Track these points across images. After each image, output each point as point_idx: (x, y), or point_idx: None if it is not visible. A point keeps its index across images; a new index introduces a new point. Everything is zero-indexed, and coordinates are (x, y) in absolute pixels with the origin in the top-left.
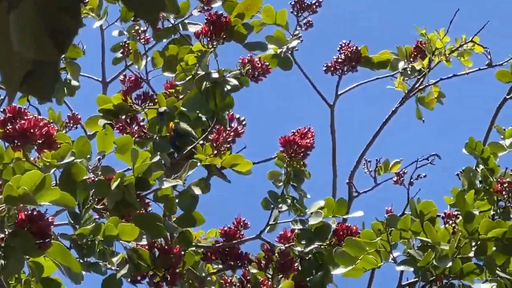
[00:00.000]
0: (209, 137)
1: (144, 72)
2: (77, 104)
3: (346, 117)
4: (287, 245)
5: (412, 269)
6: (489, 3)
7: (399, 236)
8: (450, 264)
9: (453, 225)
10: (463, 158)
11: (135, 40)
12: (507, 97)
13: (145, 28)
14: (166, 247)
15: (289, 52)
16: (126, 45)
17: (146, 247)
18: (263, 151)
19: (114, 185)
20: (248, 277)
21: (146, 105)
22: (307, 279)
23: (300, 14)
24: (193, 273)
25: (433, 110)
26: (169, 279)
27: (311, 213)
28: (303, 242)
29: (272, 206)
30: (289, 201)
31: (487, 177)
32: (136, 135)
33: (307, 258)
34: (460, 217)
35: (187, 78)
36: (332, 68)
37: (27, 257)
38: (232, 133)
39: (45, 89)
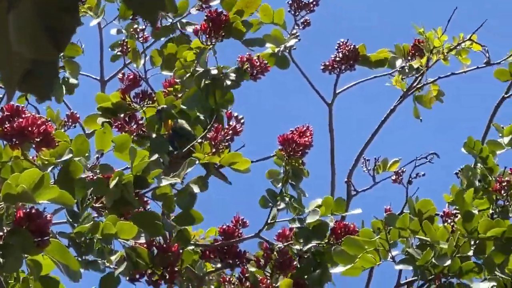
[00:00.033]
0: (208, 135)
1: (142, 70)
2: (75, 103)
3: (344, 116)
4: (285, 244)
5: (411, 267)
6: (489, 3)
7: (398, 235)
8: (449, 262)
9: (451, 224)
10: (461, 156)
11: (133, 39)
12: (505, 95)
13: (144, 26)
14: (164, 245)
15: (287, 51)
16: (125, 43)
17: (145, 245)
18: (261, 150)
19: (112, 184)
20: (247, 274)
21: (145, 103)
22: (305, 277)
23: (297, 13)
24: (192, 271)
25: (431, 109)
26: (167, 277)
27: (309, 211)
28: (301, 240)
29: (270, 204)
30: (287, 199)
31: (486, 176)
32: (134, 133)
33: (305, 256)
34: (459, 216)
35: (187, 75)
36: (330, 67)
37: (25, 255)
38: (230, 132)
39: (44, 88)
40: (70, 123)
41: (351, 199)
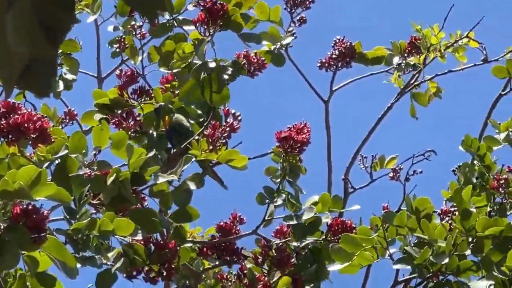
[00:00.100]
0: (205, 132)
1: (140, 67)
2: (72, 100)
3: (341, 113)
4: (283, 240)
5: (408, 267)
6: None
7: (396, 233)
8: (446, 260)
9: (449, 221)
10: (459, 154)
11: (130, 35)
12: (503, 92)
13: (141, 23)
14: (161, 242)
15: (283, 48)
16: (122, 40)
17: (142, 242)
18: (258, 147)
19: (110, 180)
20: (245, 271)
21: (142, 99)
22: (302, 273)
23: (293, 10)
24: (189, 268)
25: (428, 106)
26: (164, 274)
27: (305, 208)
28: (298, 236)
29: (267, 201)
30: (284, 195)
31: (483, 173)
32: (132, 130)
33: (303, 253)
34: (457, 214)
35: (183, 66)
36: (327, 64)
37: (22, 251)
38: (227, 129)
39: (42, 85)
40: (67, 120)
41: (348, 196)
